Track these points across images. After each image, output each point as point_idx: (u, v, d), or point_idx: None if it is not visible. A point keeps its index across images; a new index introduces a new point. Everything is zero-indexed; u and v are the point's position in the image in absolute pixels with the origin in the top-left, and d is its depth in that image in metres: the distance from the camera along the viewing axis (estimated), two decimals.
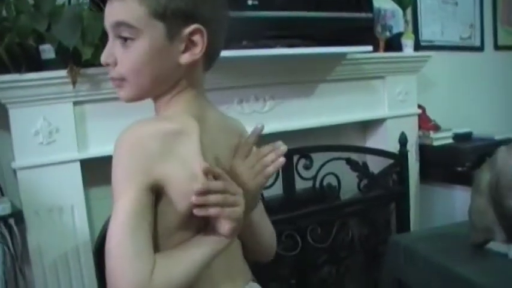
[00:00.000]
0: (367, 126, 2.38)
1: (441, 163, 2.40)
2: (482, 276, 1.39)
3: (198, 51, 0.81)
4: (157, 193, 0.76)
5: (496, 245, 1.51)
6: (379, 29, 2.20)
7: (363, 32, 2.04)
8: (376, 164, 2.23)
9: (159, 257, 0.74)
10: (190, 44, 0.81)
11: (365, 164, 2.18)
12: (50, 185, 1.51)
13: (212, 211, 0.74)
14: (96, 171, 1.50)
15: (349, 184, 2.13)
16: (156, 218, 0.77)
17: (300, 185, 1.96)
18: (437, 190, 2.44)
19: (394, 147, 2.23)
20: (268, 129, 0.91)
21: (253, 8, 1.68)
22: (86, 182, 1.59)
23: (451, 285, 1.48)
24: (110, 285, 0.72)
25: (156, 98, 0.86)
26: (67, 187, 1.54)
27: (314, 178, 1.99)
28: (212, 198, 0.74)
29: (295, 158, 1.93)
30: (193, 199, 0.72)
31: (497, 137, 2.47)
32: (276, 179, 1.80)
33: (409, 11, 2.48)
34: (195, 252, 0.78)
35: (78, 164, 1.56)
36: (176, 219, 0.78)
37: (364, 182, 2.15)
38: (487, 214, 1.50)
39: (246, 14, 1.66)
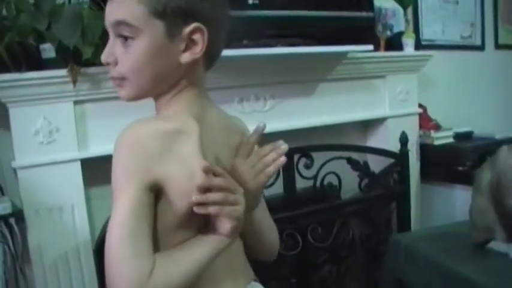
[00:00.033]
0: (368, 125, 2.38)
1: (442, 162, 2.40)
2: (483, 275, 1.39)
3: (198, 50, 0.81)
4: (157, 192, 0.76)
5: (497, 245, 1.51)
6: (380, 28, 2.20)
7: (363, 31, 2.04)
8: (376, 164, 2.23)
9: (159, 257, 0.74)
10: (190, 43, 0.80)
11: (366, 164, 2.18)
12: (50, 185, 1.51)
13: (212, 209, 0.74)
14: (97, 171, 1.49)
15: (350, 183, 2.13)
16: (156, 217, 0.77)
17: (300, 184, 1.96)
18: (438, 189, 2.43)
19: (394, 146, 2.23)
20: (268, 128, 0.91)
21: (254, 7, 1.68)
22: (86, 182, 1.59)
23: (451, 285, 1.47)
24: (109, 283, 0.72)
25: (156, 97, 0.86)
26: (67, 186, 1.54)
27: (315, 177, 1.99)
28: (212, 196, 0.74)
29: (296, 157, 1.93)
30: (194, 198, 0.72)
31: (498, 136, 2.48)
32: (276, 178, 1.80)
33: (409, 10, 2.47)
34: (195, 252, 0.78)
35: (78, 164, 1.56)
36: (176, 219, 0.77)
37: (365, 181, 2.15)
38: (487, 213, 1.49)
39: (246, 13, 1.66)
